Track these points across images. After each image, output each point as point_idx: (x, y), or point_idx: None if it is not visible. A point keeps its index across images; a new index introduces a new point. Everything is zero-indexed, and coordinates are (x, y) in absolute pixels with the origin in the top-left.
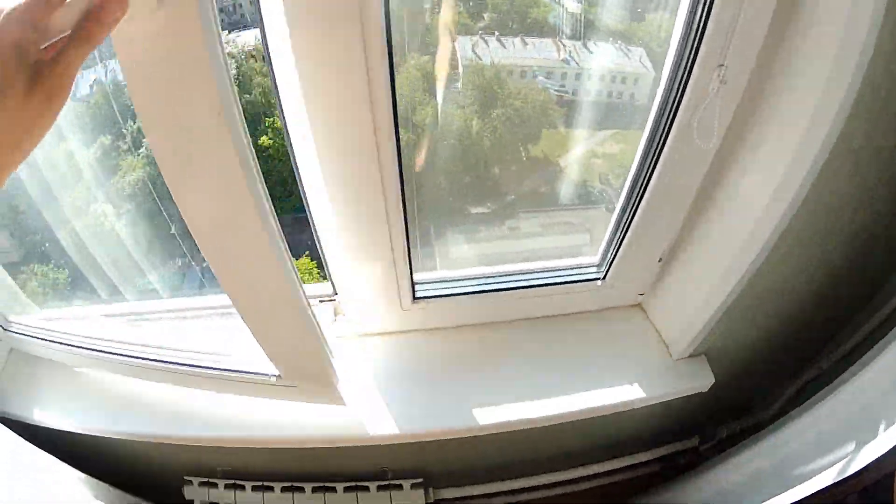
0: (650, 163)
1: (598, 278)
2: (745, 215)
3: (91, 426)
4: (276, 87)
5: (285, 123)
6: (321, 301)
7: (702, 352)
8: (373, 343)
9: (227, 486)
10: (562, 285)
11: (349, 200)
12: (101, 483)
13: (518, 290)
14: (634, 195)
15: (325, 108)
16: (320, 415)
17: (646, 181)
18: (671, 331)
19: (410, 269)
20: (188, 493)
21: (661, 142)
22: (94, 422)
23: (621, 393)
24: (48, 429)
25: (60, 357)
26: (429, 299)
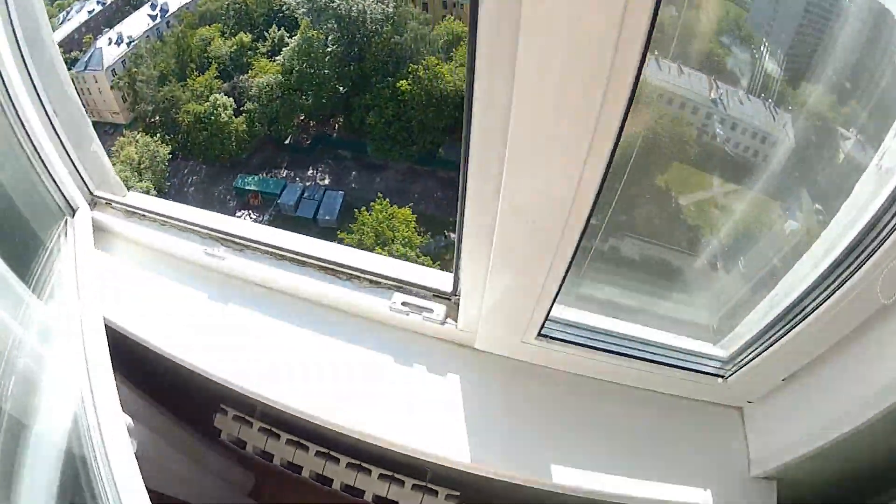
0: (824, 293)
1: (721, 376)
2: (883, 370)
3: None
4: (472, 71)
5: (470, 103)
6: (435, 296)
7: (776, 477)
8: (473, 357)
9: (261, 430)
10: (680, 369)
11: (526, 210)
12: (134, 388)
13: (637, 360)
14: (795, 315)
15: (541, 118)
16: (394, 413)
17: (814, 307)
18: (762, 448)
19: (552, 304)
20: (219, 421)
21: (843, 280)
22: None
23: (685, 494)
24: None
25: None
26: (553, 340)
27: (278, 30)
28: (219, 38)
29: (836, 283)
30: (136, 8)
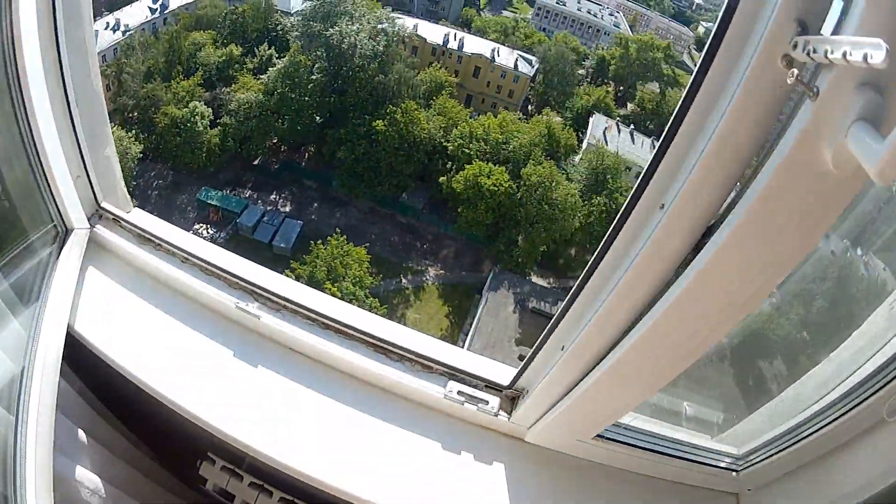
0: (840, 411)
1: (734, 470)
2: (872, 469)
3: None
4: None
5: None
6: (487, 387)
7: None
8: (521, 449)
9: (252, 486)
10: (700, 464)
11: (657, 349)
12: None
13: (667, 457)
14: (811, 427)
15: (718, 291)
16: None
17: (829, 422)
18: None
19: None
20: (205, 470)
21: (858, 402)
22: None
23: None
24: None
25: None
26: (607, 440)
27: (269, 48)
28: (210, 45)
29: (852, 403)
30: None
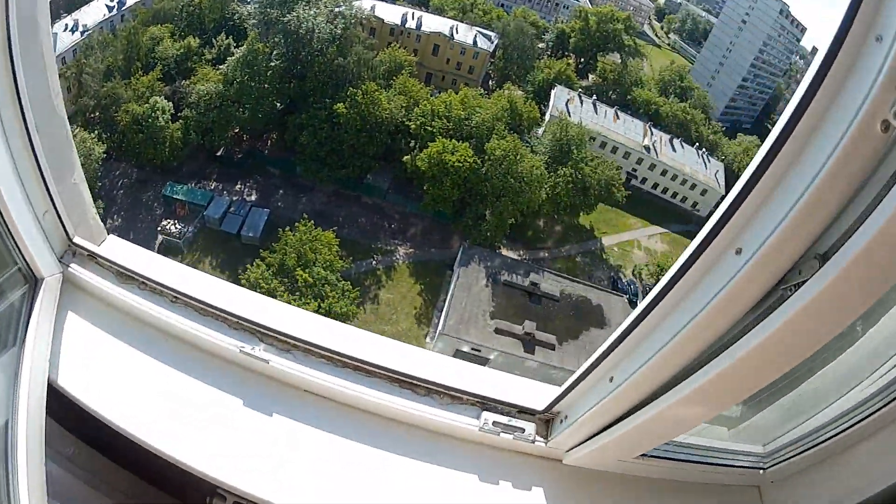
0: (868, 412)
1: (761, 468)
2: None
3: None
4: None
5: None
6: (520, 412)
7: None
8: (559, 472)
9: None
10: (729, 467)
11: (734, 386)
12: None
13: (700, 465)
14: (837, 428)
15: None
16: None
17: (859, 419)
18: None
19: None
20: None
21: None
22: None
23: None
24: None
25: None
26: (650, 457)
27: (226, 38)
28: (168, 38)
29: (879, 404)
30: None
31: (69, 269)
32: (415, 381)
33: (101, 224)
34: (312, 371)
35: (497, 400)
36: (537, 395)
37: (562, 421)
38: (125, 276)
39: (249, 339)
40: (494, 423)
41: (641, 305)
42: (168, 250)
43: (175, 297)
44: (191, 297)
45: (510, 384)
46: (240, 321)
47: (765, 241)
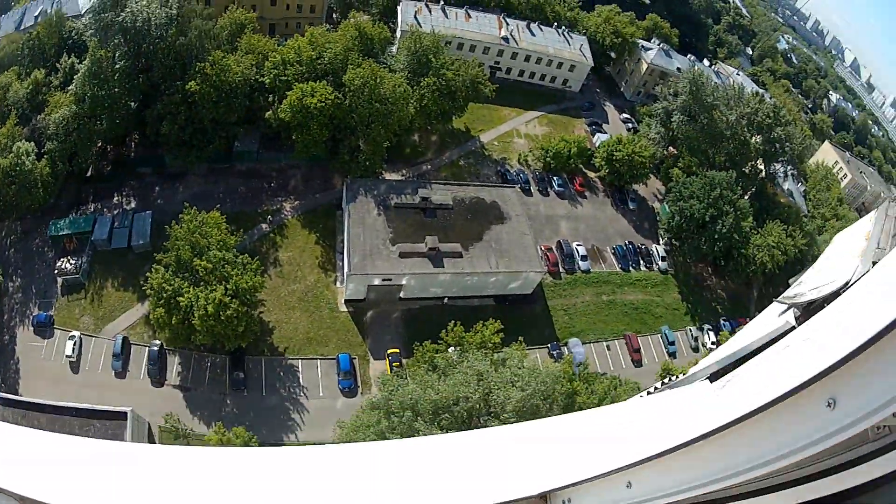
0: None
1: None
2: None
3: None
4: None
5: None
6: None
7: None
8: None
9: None
10: None
11: None
12: None
13: None
14: None
15: None
16: None
17: None
18: None
19: None
20: None
21: None
22: None
23: None
24: None
25: None
26: None
27: (69, 58)
28: (16, 81)
29: None
30: None
31: None
32: None
33: None
34: None
35: None
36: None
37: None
38: None
39: None
40: None
41: (676, 429)
42: (71, 289)
43: None
44: None
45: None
46: None
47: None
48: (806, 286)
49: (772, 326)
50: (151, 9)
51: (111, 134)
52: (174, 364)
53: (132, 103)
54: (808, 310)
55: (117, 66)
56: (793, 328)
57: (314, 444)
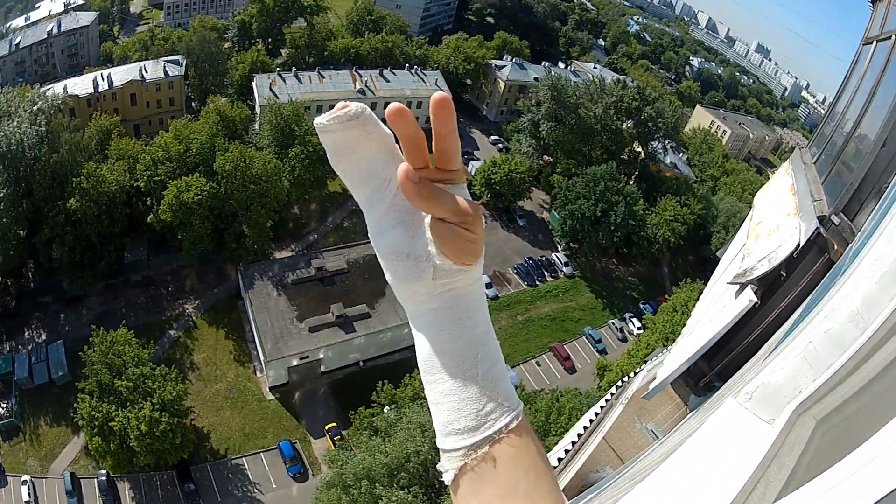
0: None
1: None
2: None
3: None
4: None
5: None
6: None
7: None
8: None
9: None
10: None
11: None
12: None
13: None
14: None
15: None
16: None
17: None
18: None
19: None
20: None
21: None
22: None
23: None
24: None
25: None
26: None
27: None
28: None
29: None
30: None
31: None
32: None
33: None
34: None
35: None
36: None
37: None
38: None
39: None
40: None
41: None
42: (9, 433)
43: None
44: None
45: None
46: None
47: None
48: (753, 259)
49: (736, 308)
50: (23, 129)
51: (7, 267)
52: (125, 490)
53: (21, 231)
54: (765, 282)
55: (1, 196)
56: (756, 304)
57: None
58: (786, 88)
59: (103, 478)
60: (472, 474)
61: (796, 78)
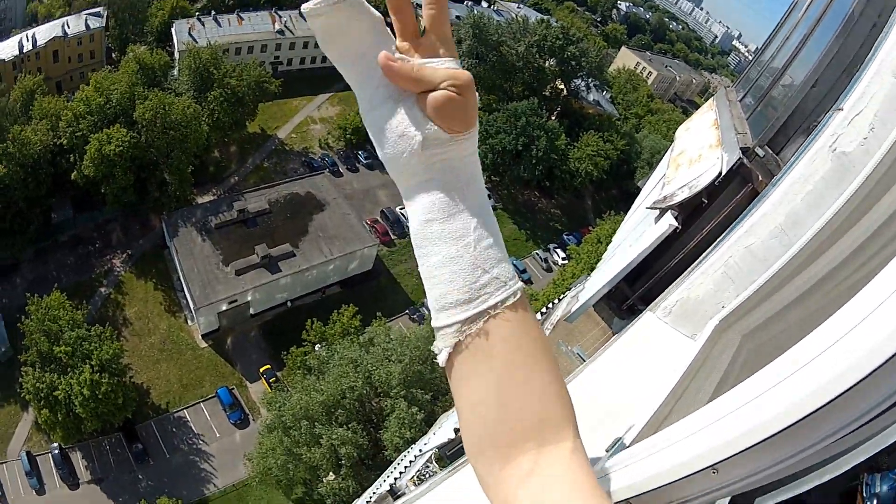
0: None
1: None
2: None
3: None
4: None
5: None
6: None
7: None
8: None
9: None
10: None
11: None
12: None
13: None
14: None
15: None
16: None
17: None
18: None
19: None
20: None
21: None
22: None
23: None
24: None
25: None
26: None
27: None
28: None
29: None
30: None
31: None
32: None
33: None
34: None
35: None
36: None
37: None
38: None
39: None
40: None
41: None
42: None
43: None
44: None
45: None
46: None
47: None
48: (674, 186)
49: (656, 232)
50: None
51: None
52: (78, 461)
53: None
54: (686, 209)
55: None
56: (677, 229)
57: (234, 486)
58: (716, 37)
59: (56, 451)
60: (466, 353)
61: (727, 27)
